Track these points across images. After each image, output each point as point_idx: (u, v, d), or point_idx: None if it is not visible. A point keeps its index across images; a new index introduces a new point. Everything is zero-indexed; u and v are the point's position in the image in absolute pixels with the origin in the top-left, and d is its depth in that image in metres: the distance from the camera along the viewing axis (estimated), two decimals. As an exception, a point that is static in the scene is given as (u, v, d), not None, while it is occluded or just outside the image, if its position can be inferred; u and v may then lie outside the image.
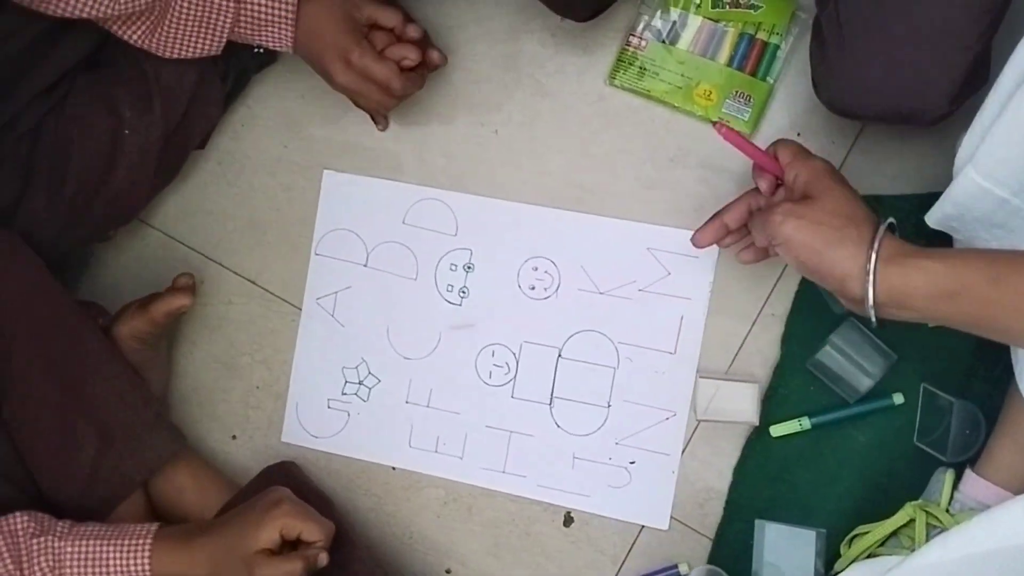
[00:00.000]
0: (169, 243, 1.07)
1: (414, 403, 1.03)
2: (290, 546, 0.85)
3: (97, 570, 0.85)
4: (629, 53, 0.96)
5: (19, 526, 0.84)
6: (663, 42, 0.96)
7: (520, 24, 1.00)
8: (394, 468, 1.03)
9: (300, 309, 1.05)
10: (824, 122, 0.94)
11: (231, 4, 0.86)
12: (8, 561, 0.83)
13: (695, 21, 0.95)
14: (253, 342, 1.06)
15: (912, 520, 0.86)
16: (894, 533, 0.89)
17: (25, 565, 0.83)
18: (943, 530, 0.85)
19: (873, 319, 0.71)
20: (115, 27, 0.86)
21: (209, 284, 1.06)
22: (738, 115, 0.94)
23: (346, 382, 1.05)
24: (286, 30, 0.88)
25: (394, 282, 1.04)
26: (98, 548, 0.85)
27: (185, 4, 0.85)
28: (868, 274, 0.69)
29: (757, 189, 0.84)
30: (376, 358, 1.04)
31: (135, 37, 0.86)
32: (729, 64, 0.95)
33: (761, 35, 0.94)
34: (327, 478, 1.04)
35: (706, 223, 0.85)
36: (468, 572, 1.02)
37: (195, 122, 0.97)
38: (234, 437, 1.05)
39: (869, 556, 0.90)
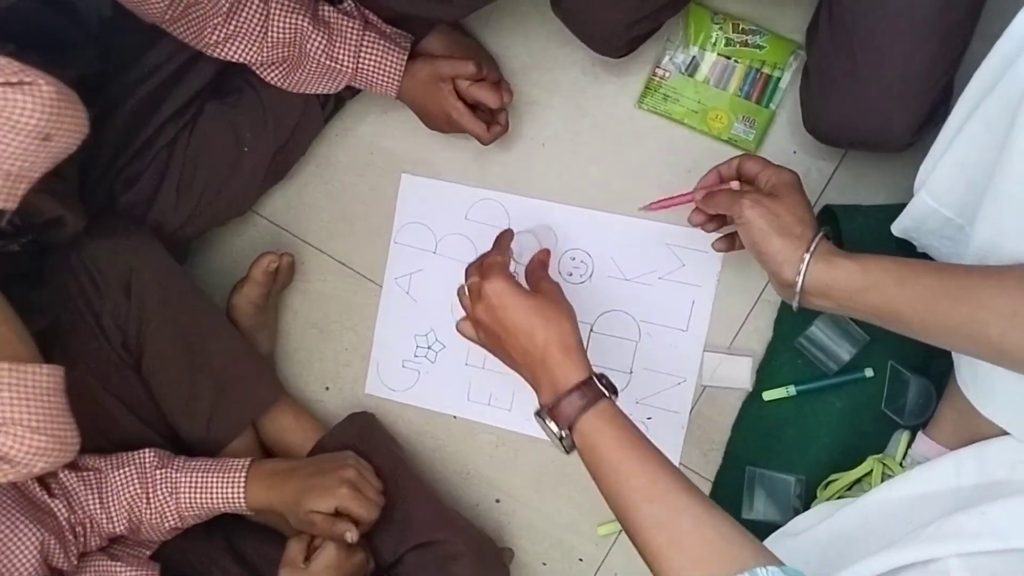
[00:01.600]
0: (275, 230, 1.24)
1: (472, 365, 1.19)
2: None
3: (205, 496, 1.00)
4: (655, 82, 1.12)
5: (147, 459, 1.00)
6: (683, 73, 1.11)
7: (564, 56, 1.14)
8: (455, 417, 1.19)
9: (381, 287, 1.21)
10: (816, 142, 1.05)
11: (350, 67, 1.04)
12: (137, 486, 0.98)
13: (710, 57, 1.11)
14: (343, 312, 1.22)
15: (872, 470, 1.03)
16: (858, 480, 1.04)
17: (151, 490, 0.99)
18: (896, 478, 1.02)
19: (795, 304, 0.84)
20: (259, 69, 1.04)
21: (308, 264, 1.23)
22: (744, 135, 1.10)
23: (417, 347, 1.21)
24: (391, 88, 1.07)
25: (457, 267, 1.13)
26: (205, 478, 1.00)
27: (315, 64, 1.04)
28: (801, 263, 0.82)
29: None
30: (442, 328, 1.19)
31: (272, 78, 1.05)
32: (738, 93, 1.10)
33: (766, 69, 1.10)
34: (401, 424, 1.21)
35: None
36: (514, 502, 1.19)
37: (299, 139, 1.15)
38: (327, 388, 1.23)
39: (839, 499, 1.08)
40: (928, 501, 0.93)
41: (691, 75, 1.11)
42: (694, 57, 1.11)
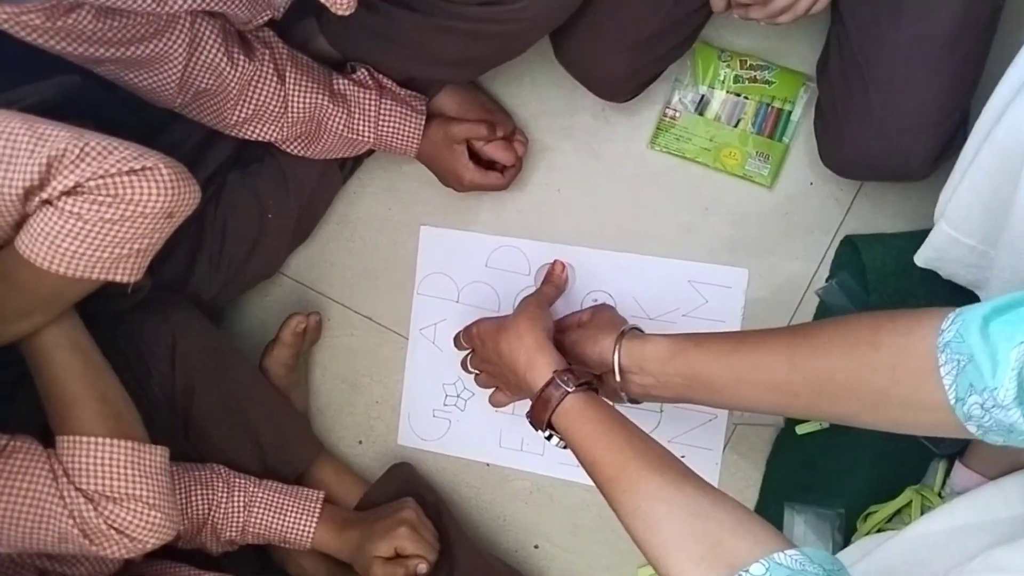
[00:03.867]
0: (301, 289, 1.24)
1: (502, 411, 1.17)
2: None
3: (276, 517, 1.03)
4: (666, 122, 1.11)
5: (223, 470, 1.03)
6: (694, 112, 1.10)
7: (574, 101, 1.13)
8: (488, 464, 1.18)
9: (407, 338, 1.21)
10: (833, 174, 1.03)
11: (370, 138, 1.05)
12: (221, 489, 1.01)
13: (720, 95, 1.09)
14: (371, 365, 1.22)
15: (911, 501, 1.01)
16: (898, 512, 1.02)
17: (226, 495, 1.01)
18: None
19: (623, 394, 0.89)
20: (280, 144, 1.05)
21: (335, 321, 1.23)
22: (758, 171, 1.09)
23: (446, 396, 1.20)
24: (411, 151, 1.09)
25: (481, 314, 1.16)
26: (281, 499, 1.03)
27: (335, 137, 1.05)
28: (616, 344, 0.87)
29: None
30: (469, 377, 1.17)
31: (294, 150, 1.06)
32: (750, 129, 1.08)
33: (776, 104, 1.08)
34: (435, 474, 1.20)
35: None
36: (552, 547, 1.17)
37: (321, 201, 1.16)
38: (360, 442, 1.23)
39: (879, 531, 1.05)
40: (971, 533, 0.90)
41: (702, 113, 1.10)
42: (704, 95, 1.10)
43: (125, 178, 0.76)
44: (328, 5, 0.80)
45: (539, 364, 0.87)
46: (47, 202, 0.75)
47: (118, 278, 0.82)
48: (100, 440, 0.83)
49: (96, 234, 0.77)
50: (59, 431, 0.84)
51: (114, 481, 0.83)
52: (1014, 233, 0.80)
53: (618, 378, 0.88)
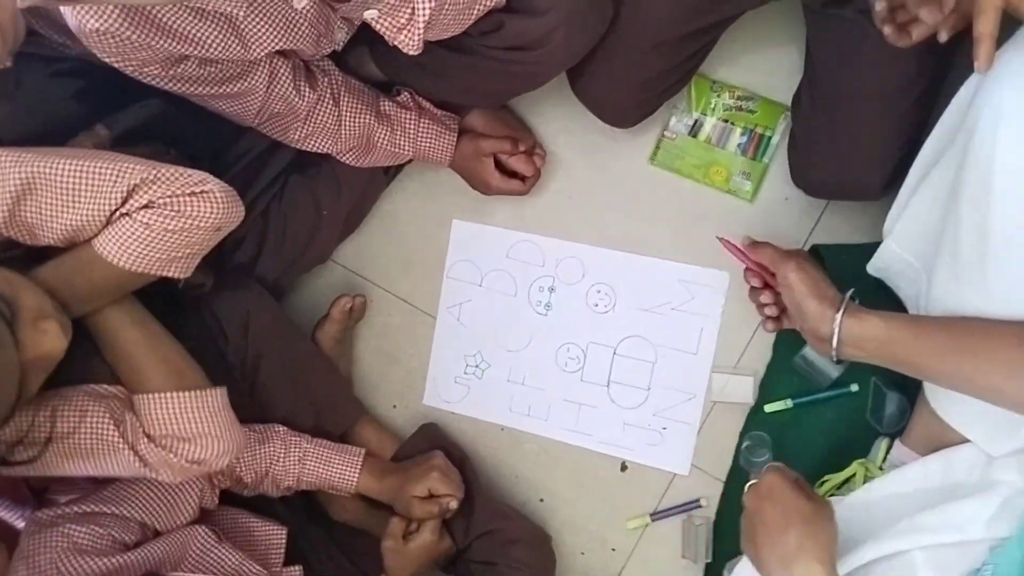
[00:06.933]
0: (348, 274, 1.39)
1: (513, 381, 1.32)
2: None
3: (325, 468, 1.17)
4: (665, 142, 1.25)
5: (281, 430, 1.17)
6: (688, 135, 1.24)
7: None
8: (502, 429, 1.32)
9: (435, 317, 1.35)
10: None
11: (410, 152, 1.21)
12: (280, 446, 1.15)
13: (711, 121, 1.23)
14: (405, 340, 1.37)
15: (856, 473, 1.14)
16: (846, 481, 1.15)
17: (283, 450, 1.15)
18: (877, 480, 1.13)
19: (833, 355, 0.95)
20: (336, 156, 1.20)
21: (376, 302, 1.38)
22: (742, 187, 1.22)
23: (466, 365, 1.34)
24: (444, 162, 1.24)
25: (500, 298, 1.33)
26: (329, 455, 1.18)
27: (383, 154, 1.20)
28: (836, 320, 0.93)
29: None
30: (487, 349, 1.33)
31: (347, 160, 1.21)
32: (736, 151, 1.22)
33: (758, 129, 1.22)
34: (457, 435, 1.34)
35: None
36: (556, 500, 1.32)
37: (367, 200, 1.31)
38: (394, 406, 1.37)
39: (830, 496, 1.19)
40: (901, 500, 1.03)
41: (695, 136, 1.24)
42: (697, 120, 1.23)
43: (188, 198, 0.91)
44: (400, 47, 0.94)
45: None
46: (125, 214, 0.91)
47: (171, 275, 0.97)
48: (167, 395, 0.98)
49: (159, 240, 0.92)
50: (132, 391, 0.99)
51: (184, 424, 0.98)
52: (944, 257, 0.93)
53: (834, 347, 0.95)
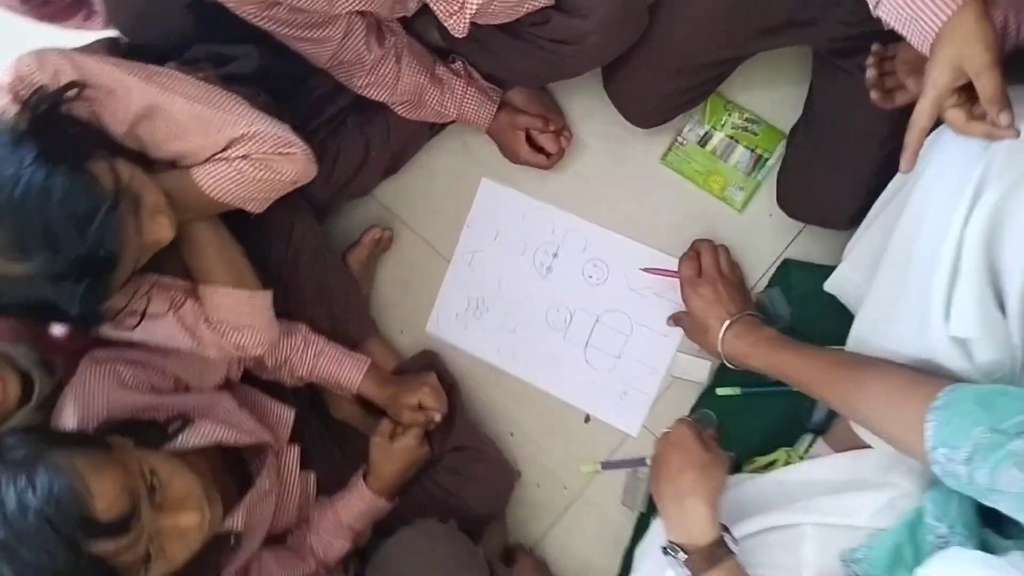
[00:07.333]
0: (383, 209, 1.54)
1: (505, 328, 1.47)
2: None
3: (335, 367, 1.33)
4: (676, 145, 1.40)
5: (304, 328, 1.34)
6: (697, 144, 1.39)
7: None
8: (490, 367, 1.48)
9: (449, 260, 1.50)
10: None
11: (455, 114, 1.37)
12: (300, 341, 1.30)
13: (719, 135, 1.38)
14: (421, 277, 1.51)
15: (779, 459, 1.30)
16: (771, 464, 1.31)
17: (304, 344, 1.31)
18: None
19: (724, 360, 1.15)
20: (391, 106, 1.36)
21: (402, 239, 1.52)
22: (734, 197, 1.38)
23: (468, 306, 1.48)
24: (482, 128, 1.39)
25: (509, 254, 1.47)
26: (341, 356, 1.34)
27: (430, 109, 1.36)
28: (721, 334, 1.13)
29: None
30: (489, 296, 1.47)
31: (399, 111, 1.37)
32: (735, 166, 1.38)
33: (758, 151, 1.37)
34: (451, 364, 1.49)
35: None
36: (524, 438, 1.47)
37: (410, 149, 1.47)
38: (401, 332, 1.53)
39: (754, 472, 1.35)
40: (808, 486, 1.16)
41: (703, 146, 1.39)
42: (707, 132, 1.39)
43: (277, 157, 1.09)
44: (447, 27, 1.11)
45: (712, 519, 1.02)
46: (223, 158, 1.08)
47: (249, 209, 1.15)
48: (229, 290, 1.16)
49: (247, 184, 1.09)
50: (201, 283, 1.17)
51: (237, 316, 1.16)
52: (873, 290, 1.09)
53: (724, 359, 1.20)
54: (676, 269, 1.32)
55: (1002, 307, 0.96)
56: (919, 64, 0.95)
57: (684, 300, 1.24)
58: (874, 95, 1.09)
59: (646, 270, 1.38)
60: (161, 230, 1.01)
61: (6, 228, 0.88)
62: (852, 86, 1.16)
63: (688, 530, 1.00)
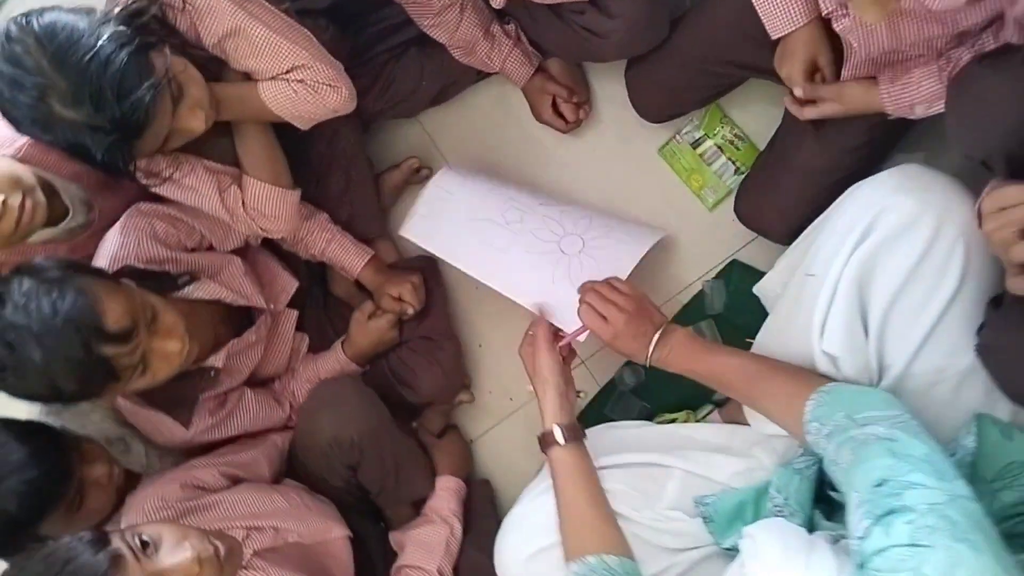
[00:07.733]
0: (424, 136, 1.74)
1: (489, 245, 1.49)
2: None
3: (341, 253, 1.53)
4: (673, 142, 1.62)
5: (324, 217, 1.54)
6: (690, 145, 1.62)
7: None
8: (477, 288, 1.56)
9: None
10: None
11: (499, 67, 1.59)
12: (317, 224, 1.51)
13: (709, 142, 1.60)
14: None
15: (679, 418, 1.54)
16: (673, 420, 1.54)
17: (317, 225, 1.53)
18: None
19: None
20: (447, 47, 1.59)
21: (431, 160, 1.75)
22: (708, 197, 1.60)
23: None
24: (519, 84, 1.62)
25: (485, 193, 1.56)
26: (347, 244, 1.56)
27: (479, 61, 1.58)
28: (649, 351, 1.25)
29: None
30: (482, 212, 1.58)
31: (455, 54, 1.60)
32: (716, 172, 1.59)
33: (737, 163, 1.58)
34: (443, 275, 1.70)
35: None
36: (489, 350, 1.69)
37: (458, 86, 1.69)
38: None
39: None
40: (690, 441, 1.36)
41: (694, 148, 1.61)
42: (701, 137, 1.61)
43: (326, 87, 1.30)
44: (490, 2, 1.35)
45: (553, 411, 1.27)
46: (284, 79, 1.28)
47: (296, 124, 1.34)
48: (267, 185, 1.37)
49: (298, 103, 1.29)
50: (246, 174, 1.37)
51: (270, 208, 1.39)
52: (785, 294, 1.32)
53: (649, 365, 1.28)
54: (581, 326, 1.32)
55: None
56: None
57: (609, 347, 1.29)
58: (786, 100, 1.33)
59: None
60: (194, 121, 1.18)
61: (70, 81, 1.06)
62: (804, 124, 1.35)
63: (543, 417, 1.24)
